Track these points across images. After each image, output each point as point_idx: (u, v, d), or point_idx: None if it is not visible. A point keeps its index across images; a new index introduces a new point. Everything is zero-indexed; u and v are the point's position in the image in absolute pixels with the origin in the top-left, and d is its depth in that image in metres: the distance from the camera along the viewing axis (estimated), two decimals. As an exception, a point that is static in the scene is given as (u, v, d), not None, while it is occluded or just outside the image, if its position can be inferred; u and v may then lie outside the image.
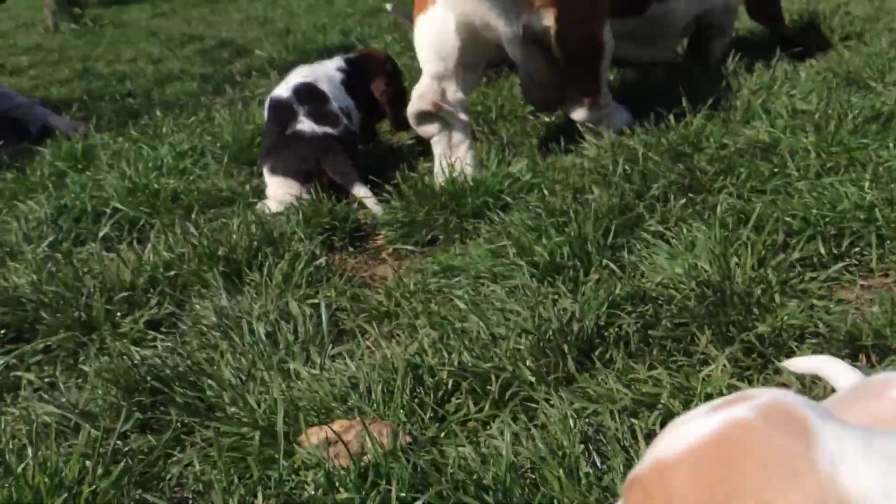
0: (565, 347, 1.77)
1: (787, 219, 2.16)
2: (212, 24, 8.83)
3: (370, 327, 2.05)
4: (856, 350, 1.74)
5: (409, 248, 2.58)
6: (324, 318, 2.06)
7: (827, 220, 2.16)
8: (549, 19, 2.78)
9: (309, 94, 3.13)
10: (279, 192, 2.92)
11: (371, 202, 2.85)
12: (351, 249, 2.65)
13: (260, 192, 3.05)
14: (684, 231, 2.14)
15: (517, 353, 1.79)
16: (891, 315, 1.76)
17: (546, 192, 2.52)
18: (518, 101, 3.61)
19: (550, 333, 1.80)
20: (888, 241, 2.09)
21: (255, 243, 2.49)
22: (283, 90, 3.17)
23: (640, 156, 2.71)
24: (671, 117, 3.02)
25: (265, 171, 2.99)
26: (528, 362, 1.76)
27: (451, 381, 1.76)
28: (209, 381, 1.86)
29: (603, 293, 1.91)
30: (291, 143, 2.98)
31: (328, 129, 3.03)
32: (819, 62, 3.53)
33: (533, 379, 1.72)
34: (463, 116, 2.90)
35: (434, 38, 2.86)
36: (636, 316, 1.86)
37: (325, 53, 5.53)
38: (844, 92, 3.04)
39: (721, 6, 3.67)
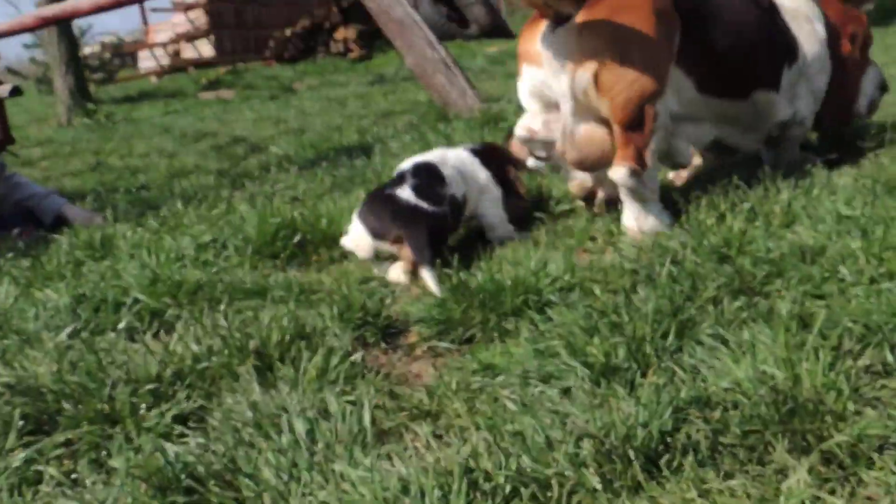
0: (631, 453, 1.66)
1: (850, 324, 2.08)
2: (225, 122, 8.89)
3: (415, 426, 1.94)
4: (939, 463, 1.63)
5: (445, 345, 2.48)
6: (366, 415, 1.94)
7: (890, 326, 2.07)
8: (589, 74, 2.95)
9: (426, 171, 3.21)
10: (355, 237, 3.08)
11: (432, 284, 2.82)
12: (384, 346, 2.55)
13: (286, 286, 2.96)
14: (745, 334, 2.05)
15: (578, 458, 1.67)
16: (975, 427, 1.66)
17: (596, 291, 2.44)
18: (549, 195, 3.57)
19: (613, 438, 1.69)
20: (957, 351, 2.00)
21: (287, 337, 2.39)
22: (405, 164, 3.30)
23: (683, 257, 2.64)
24: (710, 219, 2.96)
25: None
26: (591, 469, 1.64)
27: (508, 487, 1.64)
28: (247, 481, 1.74)
29: (666, 397, 1.81)
30: (383, 201, 3.08)
31: (424, 204, 3.06)
32: (855, 169, 3.49)
33: (598, 486, 1.60)
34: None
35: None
36: (703, 421, 1.75)
37: (343, 153, 5.53)
38: (889, 198, 2.99)
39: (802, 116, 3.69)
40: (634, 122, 3.00)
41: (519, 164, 3.55)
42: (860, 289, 2.30)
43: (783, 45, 3.55)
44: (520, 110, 5.41)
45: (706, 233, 2.83)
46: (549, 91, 3.14)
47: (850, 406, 1.78)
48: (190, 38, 17.97)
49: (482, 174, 3.36)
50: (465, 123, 5.74)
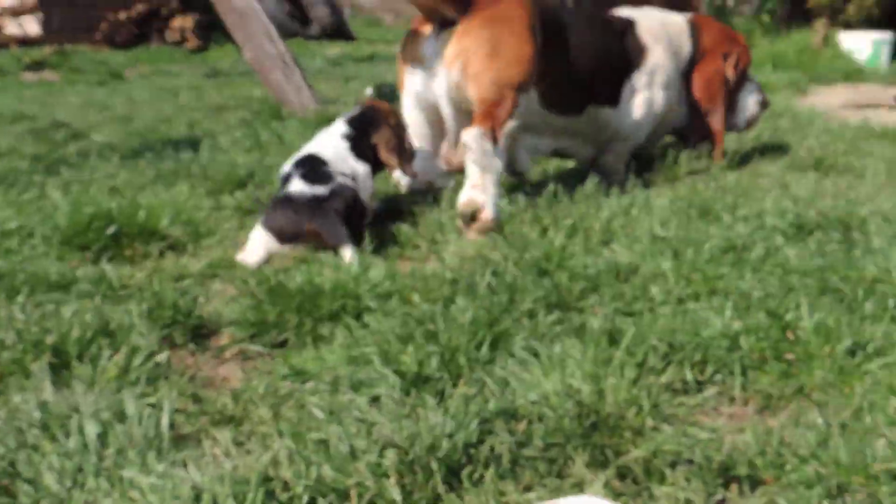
0: (434, 465, 1.64)
1: (655, 342, 2.13)
2: (47, 106, 8.45)
3: (216, 432, 1.86)
4: (728, 480, 1.69)
5: (257, 348, 2.41)
6: (165, 419, 1.85)
7: (692, 345, 2.14)
8: (460, 65, 3.24)
9: (307, 160, 3.18)
10: (258, 248, 3.00)
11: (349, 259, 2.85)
12: (192, 347, 2.45)
13: (95, 280, 2.81)
14: (556, 348, 2.07)
15: (380, 468, 1.64)
16: (763, 445, 1.73)
17: (415, 299, 2.42)
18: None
19: (418, 449, 1.67)
20: (750, 371, 2.09)
21: (89, 333, 2.26)
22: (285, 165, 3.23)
23: (504, 269, 2.66)
24: (533, 233, 3.01)
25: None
26: (392, 479, 1.61)
27: (307, 497, 1.59)
28: (25, 487, 1.62)
29: (474, 408, 1.80)
30: (283, 205, 3.02)
31: (320, 189, 3.02)
32: (672, 192, 3.62)
33: (398, 498, 1.57)
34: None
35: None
36: (508, 433, 1.75)
37: (170, 145, 5.34)
38: (701, 222, 3.11)
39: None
40: (496, 101, 3.24)
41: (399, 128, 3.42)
42: (667, 308, 2.37)
43: (628, 66, 3.89)
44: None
45: (528, 246, 2.87)
46: (430, 96, 3.37)
47: (649, 422, 1.82)
48: (15, 12, 17.02)
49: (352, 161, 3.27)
50: (300, 123, 5.64)
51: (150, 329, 2.37)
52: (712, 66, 4.23)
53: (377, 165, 3.36)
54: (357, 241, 2.99)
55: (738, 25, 10.59)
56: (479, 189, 3.15)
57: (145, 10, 14.79)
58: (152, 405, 1.95)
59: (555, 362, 2.02)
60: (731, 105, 4.38)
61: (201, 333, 2.52)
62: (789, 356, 2.06)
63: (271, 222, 3.00)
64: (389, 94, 7.82)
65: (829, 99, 7.53)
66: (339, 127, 3.37)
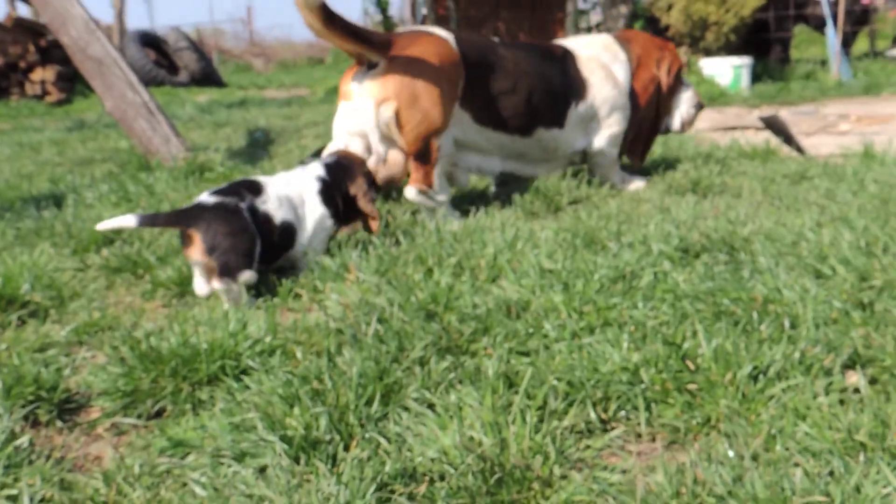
0: (330, 540, 1.50)
1: (554, 382, 2.04)
2: None
3: (86, 523, 1.68)
4: (643, 525, 1.60)
5: (131, 421, 2.22)
6: (25, 514, 1.66)
7: (593, 382, 2.06)
8: (390, 112, 3.74)
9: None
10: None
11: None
12: (60, 424, 2.24)
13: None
14: (452, 397, 1.96)
15: (272, 548, 1.50)
16: (677, 486, 1.65)
17: (298, 354, 2.27)
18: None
19: (311, 523, 1.53)
20: (654, 405, 2.02)
21: (-62, 420, 2.04)
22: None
23: (390, 315, 2.54)
24: (418, 274, 2.90)
25: None
26: (286, 560, 1.47)
27: (191, 590, 1.43)
28: None
29: (370, 472, 1.67)
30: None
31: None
32: (556, 223, 3.57)
33: (294, 582, 1.43)
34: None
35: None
36: (408, 497, 1.63)
37: (32, 203, 5.05)
38: (587, 252, 3.06)
39: (598, 149, 4.45)
40: (422, 153, 3.82)
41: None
42: (563, 344, 2.29)
43: (570, 90, 4.29)
44: (230, 159, 5.19)
45: (413, 289, 2.75)
46: (358, 123, 3.80)
47: (557, 470, 1.72)
48: None
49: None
50: (169, 172, 5.42)
51: (8, 409, 2.16)
52: (647, 74, 4.55)
53: (345, 215, 3.40)
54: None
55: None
56: (436, 206, 3.88)
57: (2, 63, 14.20)
58: (12, 498, 1.76)
59: (452, 413, 1.90)
60: (666, 108, 4.69)
61: (69, 408, 2.32)
62: (692, 386, 2.00)
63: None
64: (262, 137, 7.66)
65: (697, 122, 7.69)
66: (317, 169, 3.39)
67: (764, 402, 1.93)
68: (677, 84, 4.72)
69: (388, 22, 18.22)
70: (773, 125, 5.98)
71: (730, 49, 11.14)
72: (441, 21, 15.84)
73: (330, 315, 2.63)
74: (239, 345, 2.38)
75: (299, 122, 8.71)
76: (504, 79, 4.06)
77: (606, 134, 4.43)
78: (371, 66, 3.80)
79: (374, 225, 3.44)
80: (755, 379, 2.00)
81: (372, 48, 3.74)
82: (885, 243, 2.82)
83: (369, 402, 1.98)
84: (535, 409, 1.91)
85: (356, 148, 3.81)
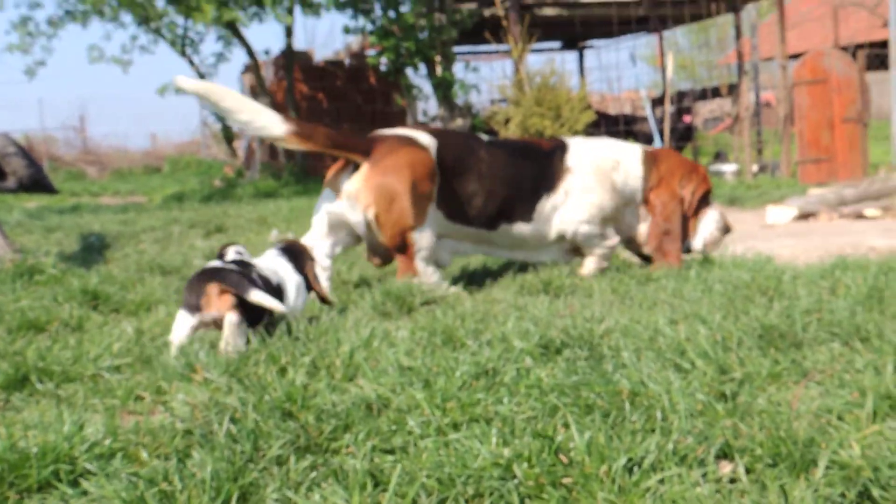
0: None
1: (424, 479, 1.93)
2: None
3: None
4: None
5: (-54, 538, 1.96)
6: None
7: (463, 478, 1.95)
8: (372, 214, 4.28)
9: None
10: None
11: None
12: None
13: None
14: (316, 496, 1.81)
15: None
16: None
17: (143, 456, 2.07)
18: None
19: None
20: (529, 500, 1.92)
21: None
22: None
23: (243, 415, 2.37)
24: (270, 375, 2.75)
25: None
26: None
27: None
28: None
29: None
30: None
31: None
32: (411, 323, 3.49)
33: None
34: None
35: None
36: None
37: None
38: (446, 349, 2.98)
39: (577, 232, 4.74)
40: (401, 248, 4.33)
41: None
42: (429, 440, 2.18)
43: (544, 186, 4.67)
44: (62, 262, 4.91)
45: (267, 388, 2.60)
46: (343, 218, 4.35)
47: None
48: None
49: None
50: (-4, 275, 5.07)
51: None
52: (668, 191, 4.82)
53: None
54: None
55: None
56: (433, 286, 4.26)
57: None
58: None
59: (317, 513, 1.76)
60: (690, 227, 4.92)
61: None
62: (567, 480, 1.92)
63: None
64: (97, 241, 7.33)
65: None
66: (279, 252, 3.72)
67: (641, 493, 1.87)
68: (702, 206, 4.94)
69: (227, 130, 18.14)
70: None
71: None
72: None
73: (177, 416, 2.44)
74: (75, 448, 2.16)
75: (136, 228, 8.40)
76: (473, 181, 4.51)
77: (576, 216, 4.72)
78: (355, 167, 4.32)
79: (328, 299, 3.82)
80: (630, 471, 1.94)
81: (353, 153, 4.31)
82: (739, 338, 2.86)
83: (226, 504, 1.81)
84: (406, 508, 1.78)
85: (338, 231, 4.42)
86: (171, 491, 1.82)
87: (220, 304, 3.18)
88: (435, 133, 4.57)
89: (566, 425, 2.15)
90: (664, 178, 4.87)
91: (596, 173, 4.74)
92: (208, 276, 3.26)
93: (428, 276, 4.35)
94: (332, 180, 4.40)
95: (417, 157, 4.34)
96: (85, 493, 1.96)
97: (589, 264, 4.81)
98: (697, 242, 4.95)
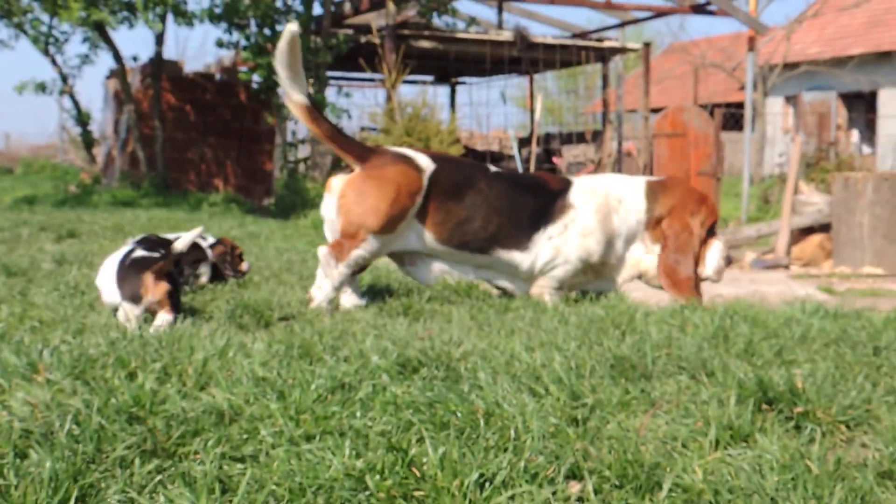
0: None
1: (274, 487, 1.89)
2: None
3: None
4: None
5: None
6: None
7: (314, 488, 1.93)
8: (342, 201, 4.45)
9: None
10: None
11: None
12: None
13: None
14: (161, 498, 1.75)
15: None
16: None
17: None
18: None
19: None
20: (380, 512, 1.91)
21: None
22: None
23: (87, 417, 2.28)
24: (117, 379, 2.66)
25: None
26: None
27: None
28: None
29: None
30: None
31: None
32: (268, 336, 3.44)
33: None
34: None
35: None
36: None
37: None
38: (303, 362, 2.95)
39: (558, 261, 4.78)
40: (348, 235, 4.37)
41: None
42: (281, 450, 2.15)
43: (544, 220, 4.73)
44: None
45: (114, 391, 2.51)
46: (326, 210, 4.50)
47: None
48: None
49: None
50: None
51: None
52: (678, 223, 4.84)
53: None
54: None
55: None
56: (317, 287, 4.41)
57: None
58: None
59: (160, 516, 1.70)
60: (699, 257, 4.94)
61: None
62: (419, 493, 1.92)
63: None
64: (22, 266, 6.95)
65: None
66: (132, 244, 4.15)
67: (490, 508, 1.89)
68: (710, 236, 4.98)
69: (87, 135, 17.55)
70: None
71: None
72: (146, 141, 15.46)
73: (15, 415, 2.32)
74: None
75: (-18, 228, 8.02)
76: (469, 208, 4.60)
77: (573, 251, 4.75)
78: (351, 171, 4.49)
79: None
80: (482, 486, 1.96)
81: (349, 155, 4.48)
82: (592, 366, 2.93)
83: (65, 501, 1.73)
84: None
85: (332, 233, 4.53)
86: (6, 486, 1.73)
87: (157, 291, 3.69)
88: (437, 158, 4.67)
89: (420, 440, 2.15)
90: (675, 208, 4.91)
91: (598, 212, 4.80)
92: (140, 266, 3.74)
93: (334, 278, 4.33)
94: (331, 184, 4.55)
95: (407, 176, 4.44)
96: None
97: (537, 288, 4.88)
98: (708, 270, 5.01)
